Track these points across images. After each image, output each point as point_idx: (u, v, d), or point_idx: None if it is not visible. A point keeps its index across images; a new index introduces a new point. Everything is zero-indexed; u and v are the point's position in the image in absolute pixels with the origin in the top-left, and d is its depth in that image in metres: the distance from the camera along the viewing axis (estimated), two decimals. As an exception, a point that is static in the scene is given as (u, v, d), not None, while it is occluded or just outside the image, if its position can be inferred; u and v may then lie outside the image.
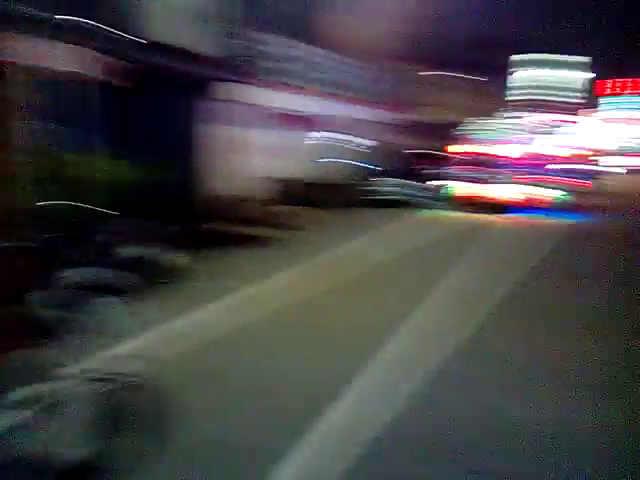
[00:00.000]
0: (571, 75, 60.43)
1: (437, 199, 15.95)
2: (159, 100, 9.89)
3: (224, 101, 13.19)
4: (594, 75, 58.09)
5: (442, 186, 15.81)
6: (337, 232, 11.84)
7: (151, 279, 6.80)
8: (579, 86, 59.80)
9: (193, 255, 7.66)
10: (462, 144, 16.11)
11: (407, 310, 6.06)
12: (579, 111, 44.31)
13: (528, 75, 59.99)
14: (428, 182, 16.66)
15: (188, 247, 7.86)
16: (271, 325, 5.69)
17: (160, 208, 7.84)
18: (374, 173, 17.44)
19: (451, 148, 16.54)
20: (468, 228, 12.67)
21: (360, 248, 10.15)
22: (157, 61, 9.44)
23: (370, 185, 16.76)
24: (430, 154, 18.54)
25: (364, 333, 5.49)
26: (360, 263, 8.71)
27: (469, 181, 15.01)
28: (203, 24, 12.26)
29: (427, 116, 29.10)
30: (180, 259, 7.37)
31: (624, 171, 39.90)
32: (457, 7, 24.97)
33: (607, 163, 41.12)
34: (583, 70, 59.83)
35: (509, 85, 57.34)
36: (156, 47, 9.78)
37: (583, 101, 56.37)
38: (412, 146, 25.49)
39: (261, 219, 12.32)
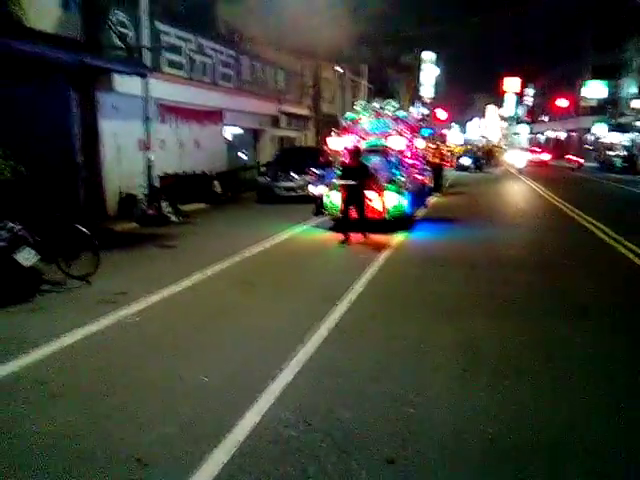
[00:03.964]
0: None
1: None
2: (24, 91, 9.09)
3: (117, 93, 12.42)
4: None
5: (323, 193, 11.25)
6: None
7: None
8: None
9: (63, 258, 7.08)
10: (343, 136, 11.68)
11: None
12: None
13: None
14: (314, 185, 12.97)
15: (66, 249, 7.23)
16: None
17: (35, 208, 7.17)
18: (275, 169, 16.93)
19: (331, 143, 11.95)
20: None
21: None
22: (20, 47, 8.53)
23: (268, 180, 16.38)
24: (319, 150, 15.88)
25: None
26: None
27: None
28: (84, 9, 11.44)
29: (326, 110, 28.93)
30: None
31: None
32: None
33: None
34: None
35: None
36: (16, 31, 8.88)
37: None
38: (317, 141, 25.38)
39: (148, 216, 11.77)
